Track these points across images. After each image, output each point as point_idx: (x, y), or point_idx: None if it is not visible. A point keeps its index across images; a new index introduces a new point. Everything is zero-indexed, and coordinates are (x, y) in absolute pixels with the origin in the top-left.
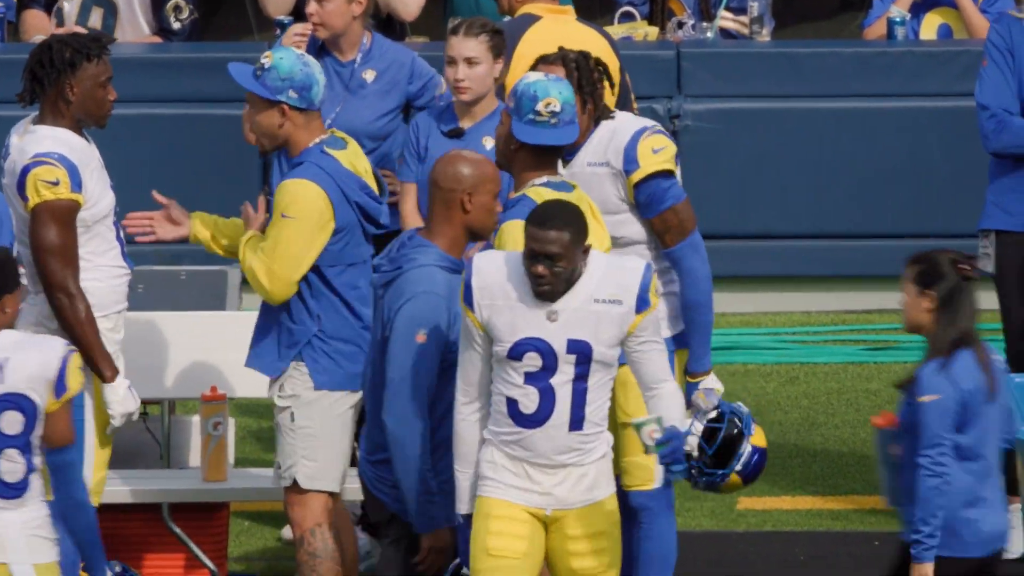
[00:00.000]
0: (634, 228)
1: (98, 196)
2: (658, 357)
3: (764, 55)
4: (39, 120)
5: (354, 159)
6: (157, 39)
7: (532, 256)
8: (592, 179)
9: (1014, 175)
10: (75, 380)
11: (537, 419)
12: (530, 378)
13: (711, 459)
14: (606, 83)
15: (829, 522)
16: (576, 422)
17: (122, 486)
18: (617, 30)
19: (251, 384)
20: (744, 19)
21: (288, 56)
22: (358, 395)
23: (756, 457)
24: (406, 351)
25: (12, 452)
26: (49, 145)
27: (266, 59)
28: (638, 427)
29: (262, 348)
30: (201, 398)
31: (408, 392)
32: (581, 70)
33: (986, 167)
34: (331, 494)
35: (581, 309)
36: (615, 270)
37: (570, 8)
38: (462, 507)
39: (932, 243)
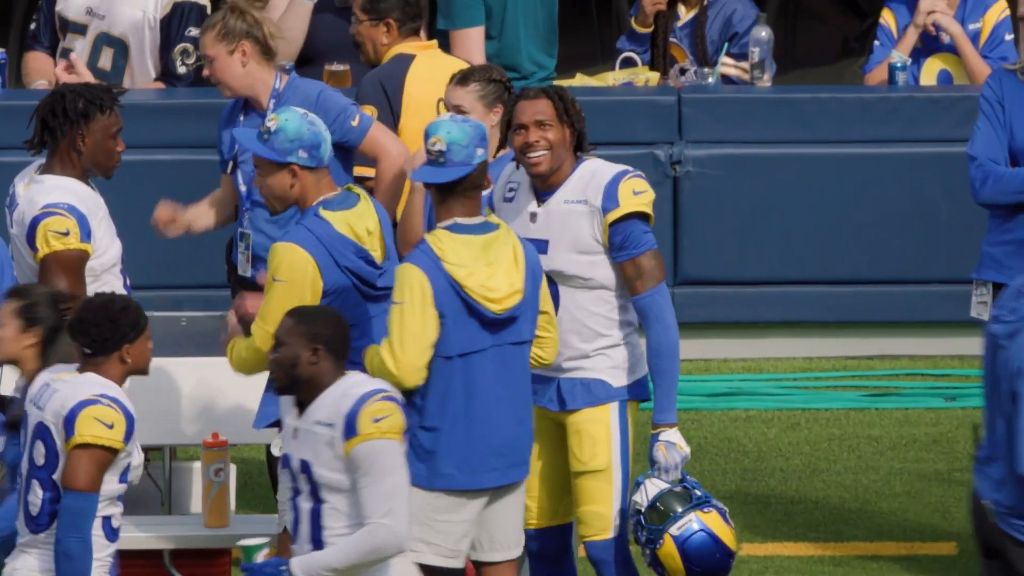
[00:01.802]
0: (605, 272)
1: (106, 245)
2: (370, 494)
3: (765, 101)
4: (46, 169)
5: (355, 220)
6: (160, 85)
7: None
8: (569, 216)
9: (1007, 227)
10: (86, 428)
11: (294, 536)
12: (292, 494)
13: (648, 512)
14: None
15: (831, 568)
16: (316, 543)
17: (123, 532)
18: (619, 75)
19: (252, 431)
20: (745, 65)
21: (293, 117)
22: None
23: (702, 536)
24: None
25: (35, 483)
26: (58, 195)
27: (271, 122)
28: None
29: (263, 404)
30: (203, 444)
31: None
32: (565, 101)
33: (987, 213)
34: None
35: (307, 429)
36: (342, 394)
37: (435, 42)
38: None
39: (933, 288)
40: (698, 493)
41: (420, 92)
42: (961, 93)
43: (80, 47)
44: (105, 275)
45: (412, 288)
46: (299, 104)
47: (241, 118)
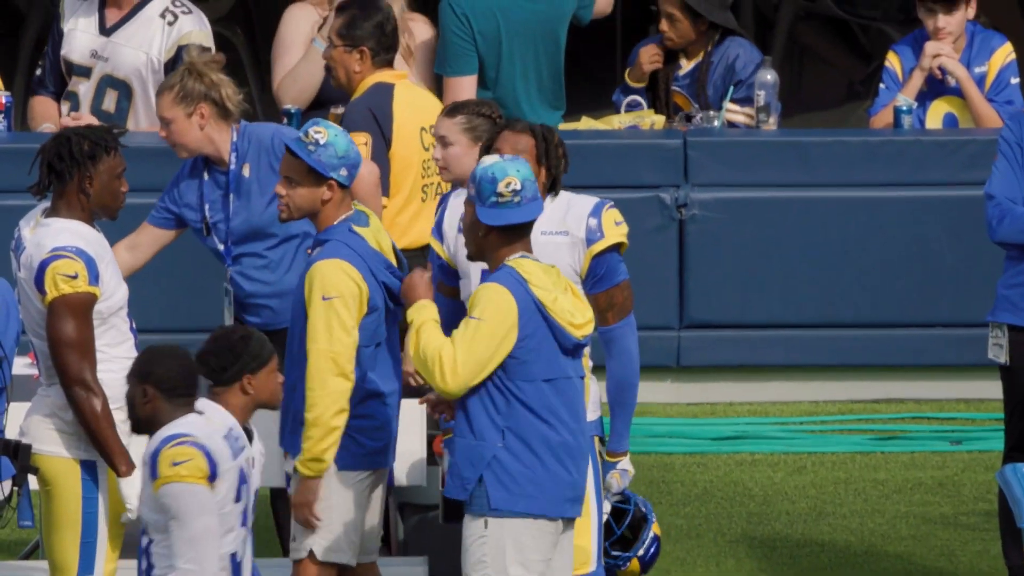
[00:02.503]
0: None
1: (113, 288)
2: (176, 539)
3: (771, 144)
4: (52, 212)
5: (379, 236)
6: None
7: None
8: (547, 247)
9: (1022, 268)
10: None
11: None
12: None
13: (616, 542)
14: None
15: None
16: None
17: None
18: (624, 119)
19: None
20: (750, 110)
21: (341, 134)
22: (378, 472)
23: (655, 545)
24: None
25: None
26: (66, 239)
27: (319, 135)
28: None
29: (287, 428)
30: None
31: None
32: (548, 140)
33: (992, 256)
34: (348, 568)
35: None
36: (159, 435)
37: (406, 72)
38: None
39: (938, 332)
40: (642, 508)
41: (406, 120)
42: (967, 137)
43: (84, 90)
44: (112, 318)
45: (498, 309)
46: (257, 150)
47: (205, 176)
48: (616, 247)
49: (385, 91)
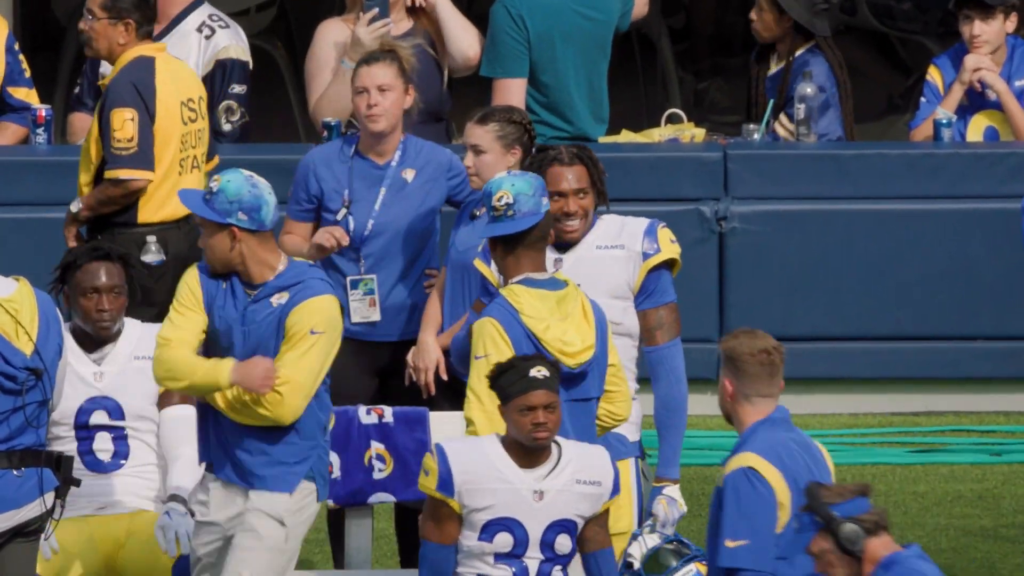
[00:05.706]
0: (633, 319)
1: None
2: None
3: (810, 157)
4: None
5: None
6: None
7: None
8: (603, 261)
9: None
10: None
11: None
12: None
13: (649, 562)
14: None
15: None
16: None
17: None
18: (664, 132)
19: None
20: (792, 127)
21: (236, 178)
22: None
23: None
24: None
25: None
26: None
27: (214, 183)
28: None
29: (277, 469)
30: None
31: None
32: (596, 165)
33: None
34: None
35: None
36: None
37: (164, 45)
38: None
39: (979, 345)
40: (692, 548)
41: (168, 93)
42: (1007, 150)
43: None
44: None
45: (495, 341)
46: (426, 163)
47: (350, 163)
48: (670, 266)
49: (146, 65)
